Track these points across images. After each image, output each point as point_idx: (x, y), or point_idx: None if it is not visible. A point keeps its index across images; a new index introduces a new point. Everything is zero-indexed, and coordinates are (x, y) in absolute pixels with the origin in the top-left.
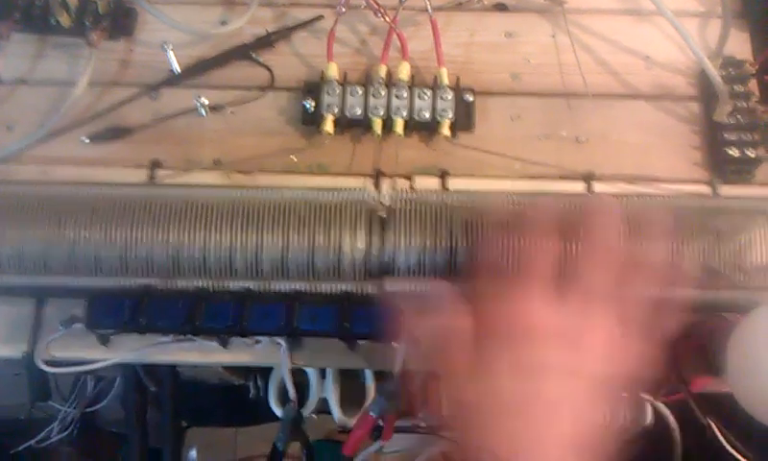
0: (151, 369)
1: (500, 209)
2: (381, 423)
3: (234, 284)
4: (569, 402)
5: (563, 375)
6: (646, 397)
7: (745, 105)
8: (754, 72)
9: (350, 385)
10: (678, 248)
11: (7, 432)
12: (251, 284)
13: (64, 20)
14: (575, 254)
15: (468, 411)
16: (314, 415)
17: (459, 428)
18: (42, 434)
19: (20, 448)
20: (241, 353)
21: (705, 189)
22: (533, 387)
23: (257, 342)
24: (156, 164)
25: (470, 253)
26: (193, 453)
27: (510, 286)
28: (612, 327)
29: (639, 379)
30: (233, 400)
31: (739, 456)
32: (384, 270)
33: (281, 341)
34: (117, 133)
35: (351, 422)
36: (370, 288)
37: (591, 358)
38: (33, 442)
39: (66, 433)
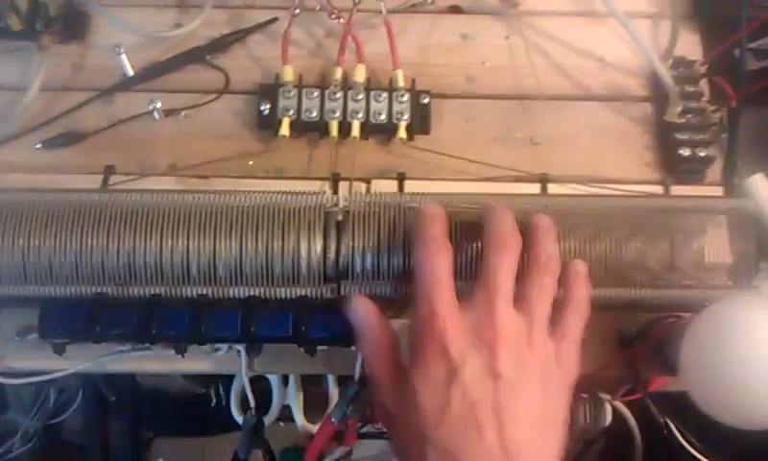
0: (111, 379)
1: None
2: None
3: (190, 291)
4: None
5: (517, 380)
6: (605, 397)
7: (695, 105)
8: (704, 72)
9: (315, 392)
10: (627, 247)
11: None
12: (206, 290)
13: (14, 23)
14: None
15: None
16: (281, 422)
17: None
18: (4, 448)
19: None
20: (200, 361)
21: (657, 189)
22: (490, 395)
23: (216, 349)
24: (109, 170)
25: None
26: None
27: (480, 295)
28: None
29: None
30: (196, 410)
31: (695, 453)
32: (341, 274)
33: (240, 348)
34: (70, 138)
35: (315, 428)
36: (327, 292)
37: (542, 362)
38: None
39: (29, 446)
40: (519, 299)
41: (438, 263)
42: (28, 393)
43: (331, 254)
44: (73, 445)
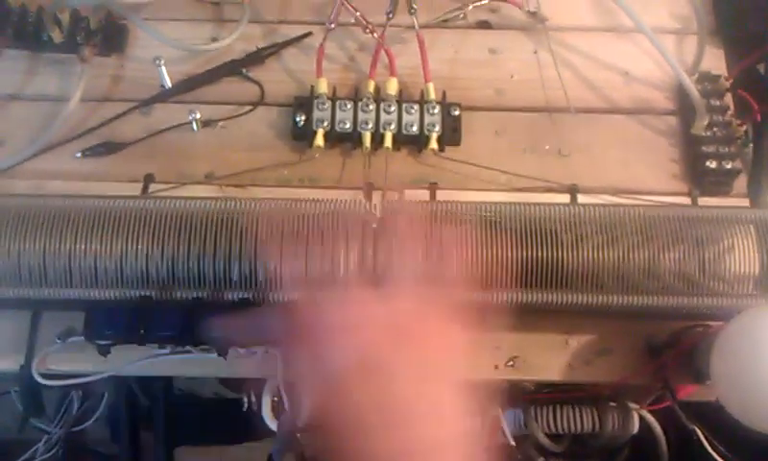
0: (144, 385)
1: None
2: None
3: (231, 295)
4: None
5: (408, 376)
6: (633, 406)
7: (721, 118)
8: (728, 86)
9: None
10: (659, 256)
11: None
12: (247, 294)
13: (56, 36)
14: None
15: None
16: None
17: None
18: (27, 454)
19: None
20: (237, 365)
21: (684, 201)
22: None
23: (253, 353)
24: (149, 178)
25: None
26: None
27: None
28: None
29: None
30: (224, 416)
31: None
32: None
33: (277, 352)
34: (110, 147)
35: None
36: None
37: (433, 354)
38: None
39: (51, 453)
40: None
41: None
42: (52, 400)
43: (368, 260)
44: (96, 453)
